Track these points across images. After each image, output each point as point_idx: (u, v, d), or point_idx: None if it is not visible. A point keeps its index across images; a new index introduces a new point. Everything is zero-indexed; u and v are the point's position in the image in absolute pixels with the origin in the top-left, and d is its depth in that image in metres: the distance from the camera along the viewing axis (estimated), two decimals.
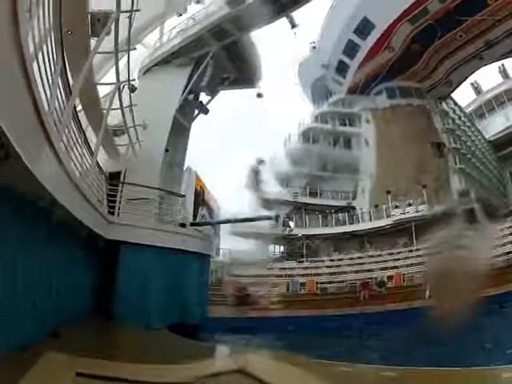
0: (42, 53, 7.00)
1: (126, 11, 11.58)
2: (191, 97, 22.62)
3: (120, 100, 14.79)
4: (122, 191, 15.57)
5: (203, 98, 24.45)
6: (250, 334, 17.85)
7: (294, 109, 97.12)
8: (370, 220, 38.40)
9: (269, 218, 34.99)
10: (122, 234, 13.76)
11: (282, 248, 43.22)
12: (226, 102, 35.00)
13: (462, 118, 53.72)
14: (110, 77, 16.67)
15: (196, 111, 23.89)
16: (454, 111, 51.80)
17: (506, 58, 49.32)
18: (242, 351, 9.71)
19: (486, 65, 48.84)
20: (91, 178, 11.80)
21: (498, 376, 5.71)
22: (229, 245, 39.97)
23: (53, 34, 7.90)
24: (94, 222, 10.89)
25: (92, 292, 12.44)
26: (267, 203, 39.75)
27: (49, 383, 4.63)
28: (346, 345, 14.36)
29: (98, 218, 11.76)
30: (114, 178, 16.51)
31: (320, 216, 40.92)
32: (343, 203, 42.05)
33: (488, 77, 59.04)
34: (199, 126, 25.29)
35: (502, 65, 58.31)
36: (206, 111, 24.25)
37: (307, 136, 45.31)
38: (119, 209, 15.02)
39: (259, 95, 26.15)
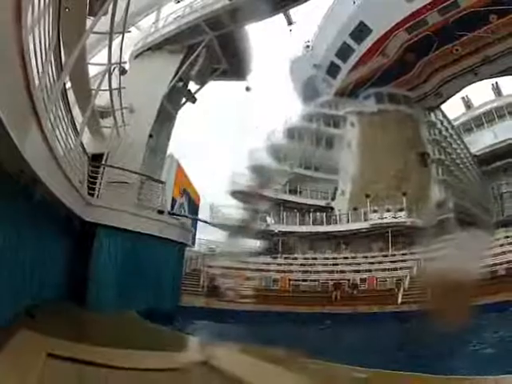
0: (38, 27, 6.88)
1: None
2: (180, 84, 22.48)
3: (109, 82, 14.64)
4: (103, 173, 15.41)
5: (192, 86, 24.32)
6: (221, 324, 17.98)
7: (281, 105, 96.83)
8: (348, 222, 38.59)
9: (244, 232, 35.19)
10: (99, 216, 13.62)
11: (257, 243, 43.41)
12: (214, 93, 34.86)
13: (449, 130, 54.21)
14: (100, 58, 16.54)
15: (183, 99, 23.75)
16: (442, 123, 52.18)
17: (501, 76, 49.76)
18: (210, 342, 9.65)
19: (479, 81, 49.12)
20: (74, 157, 11.64)
21: None
22: (205, 235, 40.14)
23: (51, 9, 7.77)
24: (73, 202, 10.76)
25: (67, 273, 12.30)
26: (246, 197, 39.85)
27: (19, 362, 4.57)
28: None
29: (77, 199, 11.63)
30: (96, 160, 16.27)
31: (298, 214, 40.96)
32: (322, 203, 42.17)
33: (480, 92, 59.76)
34: (185, 114, 25.07)
35: (496, 82, 59.00)
36: (193, 100, 24.13)
37: (292, 133, 45.21)
38: (99, 191, 14.88)
39: (248, 88, 26.03)
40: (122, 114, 17.47)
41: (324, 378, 6.49)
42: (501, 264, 24.61)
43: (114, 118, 16.86)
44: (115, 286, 13.35)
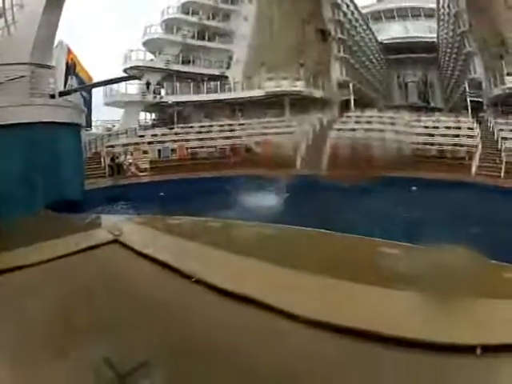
0: None
1: None
2: None
3: None
4: None
5: None
6: (126, 202, 18.43)
7: None
8: (242, 90, 39.33)
9: (134, 78, 34.60)
10: None
11: (153, 115, 43.52)
12: None
13: (355, 15, 53.92)
14: None
15: None
16: (348, 6, 51.39)
17: None
18: (117, 221, 9.93)
19: None
20: None
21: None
22: (100, 116, 39.74)
23: None
24: None
25: None
26: (139, 70, 39.20)
27: None
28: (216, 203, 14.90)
29: None
30: None
31: (192, 84, 40.96)
32: (216, 72, 42.18)
33: None
34: None
35: None
36: None
37: (186, 8, 43.49)
38: None
39: None
40: (13, 11, 16.51)
41: (229, 235, 6.96)
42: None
43: (5, 18, 15.95)
44: (21, 184, 13.28)
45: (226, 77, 41.66)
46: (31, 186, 13.59)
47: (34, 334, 3.15)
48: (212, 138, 31.96)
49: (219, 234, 6.99)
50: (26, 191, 13.30)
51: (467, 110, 36.36)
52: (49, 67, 18.07)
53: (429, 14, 59.59)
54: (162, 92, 41.44)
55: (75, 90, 25.65)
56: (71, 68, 32.39)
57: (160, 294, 3.76)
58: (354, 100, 40.26)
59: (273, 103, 37.80)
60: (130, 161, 26.77)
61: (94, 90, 35.73)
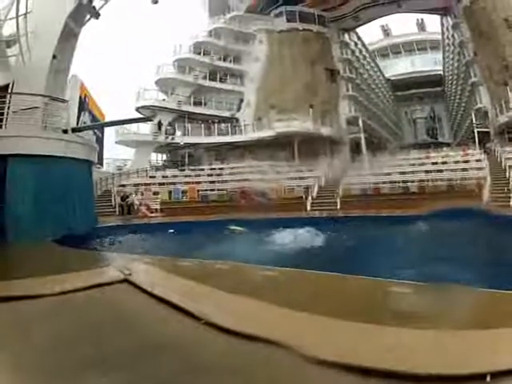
0: None
1: None
2: (85, 1, 21.57)
3: (17, 8, 14.12)
4: (10, 102, 15.05)
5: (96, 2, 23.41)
6: (136, 241, 18.28)
7: (188, 20, 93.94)
8: (254, 131, 39.58)
9: (147, 120, 34.88)
10: (9, 146, 13.39)
11: (164, 156, 43.82)
12: (120, 9, 33.61)
13: (363, 52, 55.28)
14: None
15: (87, 16, 22.89)
16: (356, 44, 52.87)
17: (427, 13, 51.30)
18: (127, 260, 9.89)
19: (403, 12, 50.33)
20: None
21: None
22: (112, 154, 40.01)
23: None
24: None
25: None
26: (151, 110, 39.59)
27: None
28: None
29: None
30: (2, 91, 15.74)
31: (203, 125, 41.30)
32: (227, 114, 42.52)
33: (403, 24, 61.82)
34: (90, 32, 24.15)
35: (422, 19, 61.07)
36: (97, 16, 23.29)
37: (198, 48, 43.95)
38: (6, 121, 14.59)
39: (155, 1, 25.27)
40: (27, 38, 16.75)
41: (236, 278, 6.96)
42: (412, 182, 27.33)
43: (20, 46, 16.10)
44: (32, 215, 13.36)
45: (237, 119, 42.04)
46: (41, 216, 13.60)
47: (35, 367, 3.05)
48: (223, 181, 32.12)
49: (228, 276, 6.99)
50: (36, 220, 13.34)
51: (475, 141, 36.61)
52: (63, 101, 18.16)
53: (434, 46, 60.53)
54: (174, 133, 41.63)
55: (88, 128, 25.91)
56: (84, 103, 32.92)
57: (169, 335, 3.71)
58: (365, 139, 40.35)
59: (282, 145, 37.88)
60: (142, 201, 26.77)
61: (106, 128, 36.15)
